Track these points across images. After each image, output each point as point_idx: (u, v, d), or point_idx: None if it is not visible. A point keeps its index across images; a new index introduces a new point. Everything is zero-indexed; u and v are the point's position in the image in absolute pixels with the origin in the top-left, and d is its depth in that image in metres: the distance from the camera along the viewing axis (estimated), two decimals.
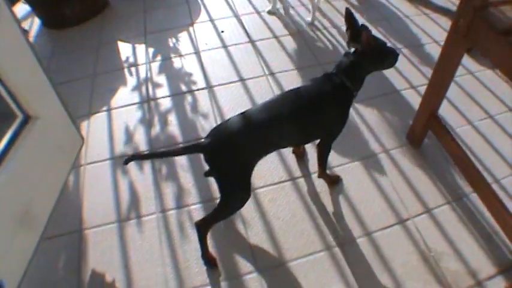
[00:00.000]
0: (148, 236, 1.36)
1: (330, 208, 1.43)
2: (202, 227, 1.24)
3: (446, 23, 2.35)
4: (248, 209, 1.41)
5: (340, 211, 1.41)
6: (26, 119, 1.12)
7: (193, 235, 1.33)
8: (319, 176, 1.49)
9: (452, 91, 1.68)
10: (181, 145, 1.18)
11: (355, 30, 1.22)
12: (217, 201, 1.22)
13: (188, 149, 1.16)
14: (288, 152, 1.61)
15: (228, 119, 1.16)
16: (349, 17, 1.23)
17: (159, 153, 1.29)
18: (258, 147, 1.16)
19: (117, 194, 1.50)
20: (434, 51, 2.14)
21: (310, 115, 1.19)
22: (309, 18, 2.37)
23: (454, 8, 2.46)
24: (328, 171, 1.48)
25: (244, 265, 1.28)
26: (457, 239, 1.34)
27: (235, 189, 1.17)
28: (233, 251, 1.31)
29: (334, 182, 1.50)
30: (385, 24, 2.39)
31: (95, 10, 2.54)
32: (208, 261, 1.29)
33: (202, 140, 1.12)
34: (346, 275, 1.25)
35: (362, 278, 1.25)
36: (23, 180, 1.07)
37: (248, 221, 1.39)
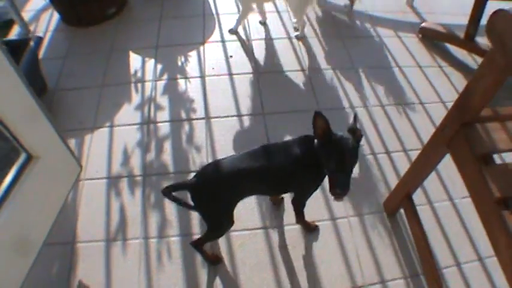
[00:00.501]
0: (130, 258, 1.71)
1: (293, 262, 1.72)
2: (196, 245, 1.64)
3: (459, 80, 2.56)
4: (218, 249, 1.73)
5: (301, 267, 1.71)
6: (28, 158, 1.40)
7: (168, 266, 1.68)
8: (296, 222, 1.80)
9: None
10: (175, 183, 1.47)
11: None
12: (195, 236, 1.66)
13: (179, 185, 1.46)
14: (266, 199, 1.90)
15: (214, 162, 1.48)
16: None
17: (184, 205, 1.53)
18: (236, 192, 1.48)
19: (108, 214, 1.85)
20: (438, 113, 2.32)
21: (281, 177, 1.48)
22: (297, 33, 2.70)
23: (473, 66, 2.67)
24: (306, 219, 1.78)
25: None
26: None
27: (216, 223, 1.53)
28: (201, 286, 1.64)
29: (310, 229, 1.81)
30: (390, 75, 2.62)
31: (113, 11, 2.84)
32: (211, 261, 1.71)
33: (190, 179, 1.44)
34: None
35: None
36: (24, 214, 1.38)
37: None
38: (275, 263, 1.72)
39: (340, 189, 1.27)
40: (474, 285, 1.73)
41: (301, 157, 1.42)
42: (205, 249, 1.68)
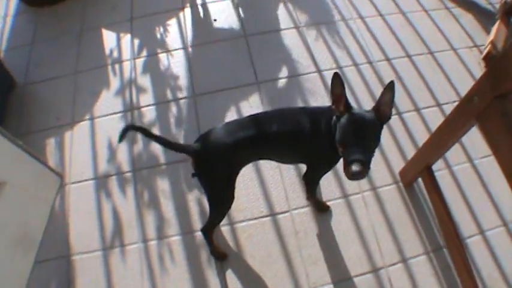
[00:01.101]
0: (130, 266, 1.50)
1: (306, 249, 1.50)
2: (205, 232, 1.42)
3: (470, 23, 2.17)
4: (225, 245, 1.51)
5: (316, 254, 1.50)
6: None
7: (172, 269, 1.47)
8: (307, 199, 1.58)
9: None
10: (173, 141, 1.21)
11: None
12: (196, 234, 1.42)
13: (179, 147, 1.23)
14: (270, 183, 1.64)
15: (218, 127, 1.22)
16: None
17: (154, 136, 1.24)
18: (243, 158, 1.26)
19: (101, 219, 1.60)
20: (449, 62, 2.00)
21: (295, 144, 1.23)
22: None
23: (485, 5, 2.27)
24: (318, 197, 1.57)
25: None
26: None
27: (220, 194, 1.28)
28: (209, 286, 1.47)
29: (320, 209, 1.58)
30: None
31: None
32: (217, 256, 1.50)
33: (193, 144, 1.20)
34: None
35: None
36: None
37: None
38: (287, 253, 1.50)
39: (357, 166, 0.96)
40: (500, 253, 1.52)
41: (320, 127, 1.17)
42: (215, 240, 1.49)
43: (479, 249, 1.53)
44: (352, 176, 0.99)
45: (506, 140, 0.99)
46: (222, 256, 1.52)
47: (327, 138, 1.15)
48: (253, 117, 1.26)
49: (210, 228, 1.43)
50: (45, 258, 1.51)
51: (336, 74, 1.03)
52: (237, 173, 1.29)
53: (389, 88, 1.01)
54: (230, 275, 1.46)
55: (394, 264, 1.48)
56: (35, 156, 1.42)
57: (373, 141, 1.04)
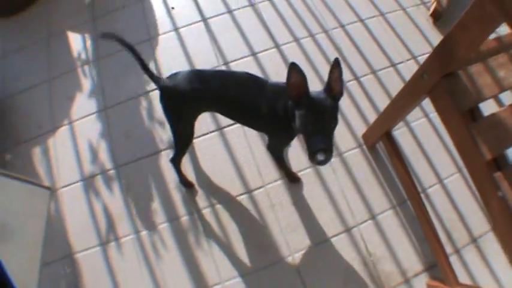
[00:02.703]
0: (128, 257, 1.34)
1: (284, 220, 1.35)
2: (173, 162, 1.33)
3: None
4: (209, 226, 1.35)
5: (293, 222, 1.35)
6: None
7: (166, 254, 1.32)
8: (278, 168, 1.40)
9: None
10: (148, 67, 1.08)
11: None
12: (183, 218, 1.29)
13: (152, 75, 1.10)
14: (243, 162, 1.44)
15: (187, 71, 1.10)
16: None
17: (133, 50, 1.10)
18: (199, 107, 1.16)
19: (94, 217, 1.41)
20: (399, 21, 1.72)
21: (252, 116, 1.09)
22: None
23: None
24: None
25: (211, 278, 1.28)
26: (395, 243, 1.32)
27: (177, 128, 1.19)
28: (201, 265, 1.29)
29: (292, 180, 1.40)
30: None
31: None
32: (185, 184, 1.41)
33: (164, 78, 1.11)
34: (296, 283, 1.25)
35: (312, 284, 1.25)
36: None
37: (209, 238, 1.33)
38: (267, 226, 1.34)
39: (322, 155, 0.82)
40: (456, 197, 1.39)
41: (277, 108, 1.01)
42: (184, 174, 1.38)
43: (439, 196, 1.40)
44: (318, 164, 0.84)
45: (454, 115, 0.84)
46: (189, 184, 1.42)
47: (284, 119, 0.99)
48: (219, 74, 1.15)
49: (176, 160, 1.33)
50: (51, 260, 1.34)
51: (292, 64, 0.82)
52: (193, 117, 1.19)
53: (336, 65, 0.82)
54: (218, 253, 1.31)
55: (364, 222, 1.34)
56: (20, 178, 1.23)
57: (333, 123, 0.86)
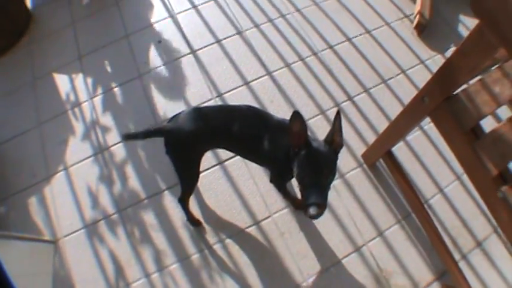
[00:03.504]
0: None
1: (294, 247, 1.37)
2: (181, 201, 1.34)
3: None
4: (220, 261, 1.36)
5: (303, 248, 1.37)
6: None
7: None
8: (283, 198, 1.42)
9: None
10: (149, 129, 1.09)
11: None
12: (193, 257, 1.30)
13: (155, 132, 1.12)
14: (248, 194, 1.46)
15: (187, 111, 1.12)
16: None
17: (134, 136, 1.15)
18: (204, 145, 1.18)
19: (101, 264, 1.40)
20: (385, 37, 1.78)
21: (255, 155, 1.13)
22: None
23: None
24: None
25: None
26: (404, 256, 1.36)
27: (183, 171, 1.20)
28: None
29: (298, 207, 1.42)
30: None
31: (18, 30, 1.95)
32: (193, 223, 1.42)
33: (166, 124, 1.14)
34: None
35: None
36: None
37: (222, 273, 1.34)
38: (278, 254, 1.36)
39: (314, 210, 0.83)
40: (458, 205, 1.45)
41: (279, 149, 1.02)
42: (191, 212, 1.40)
43: (441, 205, 1.45)
44: (310, 218, 0.86)
45: (457, 135, 0.89)
46: (197, 222, 1.43)
47: (284, 161, 1.00)
48: (221, 110, 1.17)
49: (184, 199, 1.34)
50: None
51: (295, 112, 0.86)
52: (199, 156, 1.20)
53: (338, 117, 0.86)
54: (232, 287, 1.32)
55: (373, 239, 1.38)
56: (21, 237, 1.20)
57: (331, 176, 0.89)
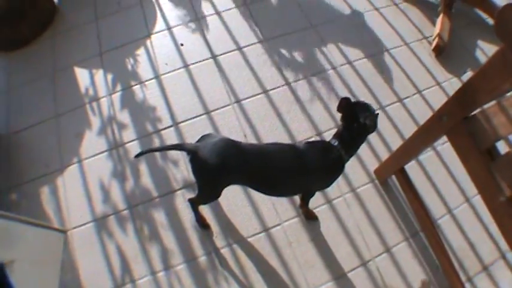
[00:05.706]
0: None
1: (301, 256, 1.43)
2: (192, 203, 1.41)
3: (417, 16, 2.04)
4: (227, 265, 1.41)
5: (311, 258, 1.43)
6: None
7: None
8: (300, 207, 1.49)
9: None
10: (173, 143, 1.27)
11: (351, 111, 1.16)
12: (200, 259, 1.35)
13: (178, 147, 1.21)
14: (259, 202, 1.52)
15: (219, 138, 1.16)
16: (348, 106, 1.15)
17: (156, 150, 1.53)
18: (236, 179, 1.22)
19: (108, 259, 1.46)
20: (404, 56, 1.88)
21: (299, 178, 1.20)
22: None
23: None
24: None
25: None
26: (410, 274, 1.42)
27: (207, 191, 1.27)
28: None
29: (309, 218, 1.49)
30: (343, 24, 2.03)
31: (43, 22, 2.06)
32: (202, 225, 1.48)
33: (193, 144, 1.17)
34: None
35: None
36: None
37: (228, 277, 1.39)
38: (285, 263, 1.42)
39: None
40: (466, 226, 1.50)
41: (330, 164, 1.19)
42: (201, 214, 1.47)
43: (449, 226, 1.51)
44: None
45: (473, 154, 0.95)
46: (206, 225, 1.48)
47: (337, 159, 1.17)
48: (259, 146, 1.28)
49: (196, 203, 1.41)
50: None
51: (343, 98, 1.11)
52: (223, 186, 1.24)
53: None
54: None
55: (380, 255, 1.44)
56: (34, 222, 1.26)
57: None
